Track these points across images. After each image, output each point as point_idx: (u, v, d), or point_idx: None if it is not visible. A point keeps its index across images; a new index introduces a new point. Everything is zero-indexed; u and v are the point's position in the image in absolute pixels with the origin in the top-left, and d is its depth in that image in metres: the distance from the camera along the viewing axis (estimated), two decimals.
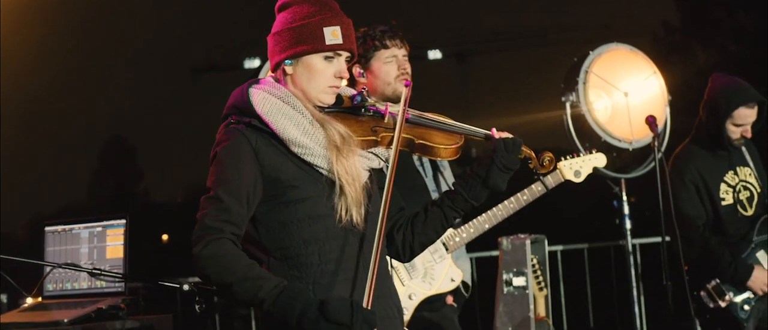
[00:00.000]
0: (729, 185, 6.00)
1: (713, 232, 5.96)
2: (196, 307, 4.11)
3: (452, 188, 3.49)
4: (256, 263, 3.18)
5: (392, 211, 3.45)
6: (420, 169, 5.04)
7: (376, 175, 3.44)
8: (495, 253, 6.13)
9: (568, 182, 5.12)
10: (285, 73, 3.37)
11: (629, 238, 7.30)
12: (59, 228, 5.18)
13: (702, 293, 5.89)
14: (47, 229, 5.20)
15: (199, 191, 3.26)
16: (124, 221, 5.07)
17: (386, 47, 4.86)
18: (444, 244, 5.00)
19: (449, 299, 5.11)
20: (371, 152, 3.37)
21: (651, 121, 5.95)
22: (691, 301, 5.83)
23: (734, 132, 5.93)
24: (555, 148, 3.84)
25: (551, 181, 5.07)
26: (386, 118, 3.43)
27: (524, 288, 5.79)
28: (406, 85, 3.49)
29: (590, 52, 7.03)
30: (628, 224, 7.29)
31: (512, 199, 5.08)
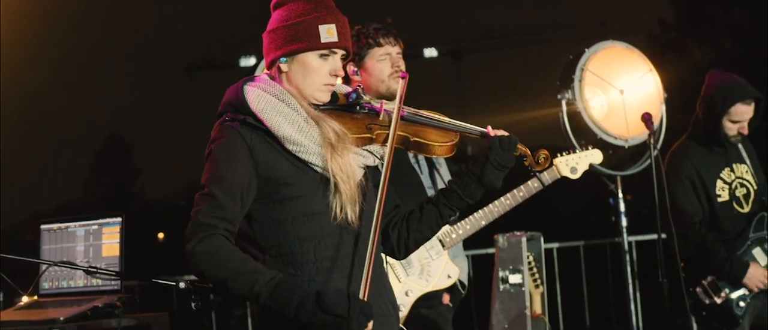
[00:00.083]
0: (725, 182, 6.00)
1: (709, 228, 5.96)
2: (193, 304, 4.11)
3: (447, 186, 3.49)
4: (251, 258, 3.18)
5: (387, 209, 3.45)
6: (415, 166, 5.04)
7: (371, 172, 3.44)
8: (491, 250, 6.14)
9: (564, 178, 5.12)
10: (280, 71, 3.37)
11: (625, 235, 7.32)
12: (55, 226, 5.18)
13: (698, 289, 5.90)
14: (43, 227, 5.20)
15: (196, 189, 3.26)
16: (120, 219, 5.07)
17: (380, 45, 4.86)
18: (440, 240, 5.00)
19: (446, 298, 5.11)
20: (366, 150, 3.37)
21: (647, 118, 5.95)
22: (687, 297, 5.84)
23: (731, 129, 5.94)
24: (551, 146, 3.85)
25: (547, 177, 5.07)
26: (381, 116, 3.43)
27: (520, 285, 5.80)
28: (402, 78, 3.49)
29: (586, 50, 7.04)
30: (624, 221, 7.31)
31: (508, 195, 5.07)
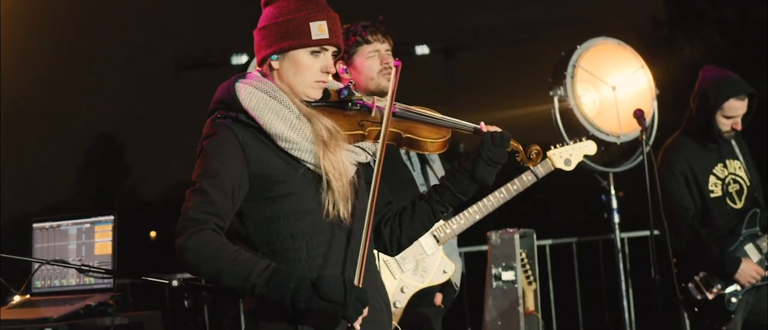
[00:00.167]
0: (718, 178, 6.01)
1: (701, 224, 5.96)
2: (185, 302, 4.11)
3: (440, 182, 3.49)
4: (242, 250, 3.17)
5: (380, 206, 3.45)
6: (407, 163, 5.04)
7: (364, 169, 3.43)
8: (484, 247, 6.14)
9: (558, 171, 5.11)
10: (271, 68, 3.36)
11: (617, 232, 7.33)
12: (47, 225, 5.18)
13: (690, 285, 5.90)
14: (35, 225, 5.19)
15: (187, 188, 3.24)
16: (112, 218, 5.06)
17: (368, 42, 4.86)
18: (435, 235, 5.00)
19: (438, 300, 5.10)
20: (358, 146, 3.36)
21: (639, 114, 5.96)
22: (679, 294, 5.85)
23: (724, 124, 5.94)
24: (543, 143, 3.84)
25: (541, 170, 5.07)
26: (373, 112, 3.43)
27: (513, 282, 5.80)
28: (396, 66, 3.48)
29: (578, 47, 7.04)
30: (616, 218, 7.31)
31: (502, 189, 5.07)
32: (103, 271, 4.72)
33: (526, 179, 5.07)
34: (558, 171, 5.11)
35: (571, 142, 5.12)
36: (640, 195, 5.86)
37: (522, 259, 5.96)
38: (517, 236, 5.86)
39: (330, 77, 3.43)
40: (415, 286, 4.93)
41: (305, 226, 3.25)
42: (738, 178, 6.06)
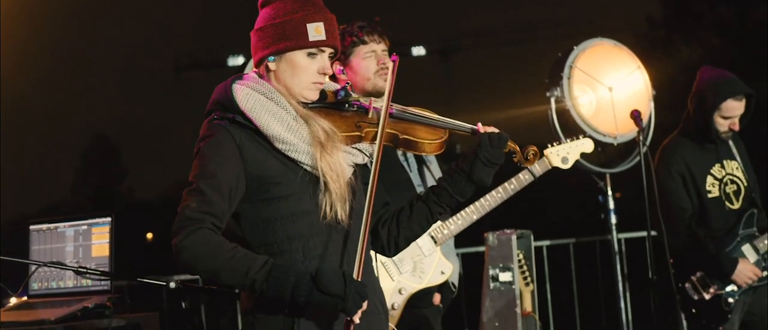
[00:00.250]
0: (715, 178, 6.01)
1: (699, 224, 5.97)
2: (183, 304, 4.11)
3: (437, 183, 3.48)
4: (239, 246, 3.16)
5: (377, 207, 3.44)
6: (405, 164, 5.04)
7: (361, 170, 3.43)
8: (481, 248, 6.13)
9: (555, 169, 5.10)
10: (268, 70, 3.36)
11: (615, 232, 7.32)
12: (44, 226, 5.17)
13: (687, 285, 5.91)
14: (32, 227, 5.19)
15: (184, 189, 3.24)
16: (109, 219, 5.06)
17: (364, 43, 4.86)
18: (432, 236, 4.99)
19: (436, 299, 5.10)
20: (355, 148, 3.36)
21: (635, 115, 5.96)
22: (676, 294, 5.85)
23: (722, 124, 5.94)
24: (539, 144, 3.84)
25: (539, 168, 5.06)
26: (370, 113, 3.42)
27: (510, 283, 5.80)
28: (393, 60, 3.47)
29: (575, 47, 7.04)
30: (613, 219, 7.31)
31: (500, 188, 5.06)
32: (100, 272, 4.72)
33: (524, 178, 5.07)
34: (555, 169, 5.10)
35: (568, 140, 5.12)
36: (637, 196, 5.86)
37: (519, 260, 5.96)
38: (514, 237, 5.85)
39: (327, 78, 3.42)
40: (413, 287, 4.93)
41: (302, 227, 3.25)
42: (735, 179, 6.06)
